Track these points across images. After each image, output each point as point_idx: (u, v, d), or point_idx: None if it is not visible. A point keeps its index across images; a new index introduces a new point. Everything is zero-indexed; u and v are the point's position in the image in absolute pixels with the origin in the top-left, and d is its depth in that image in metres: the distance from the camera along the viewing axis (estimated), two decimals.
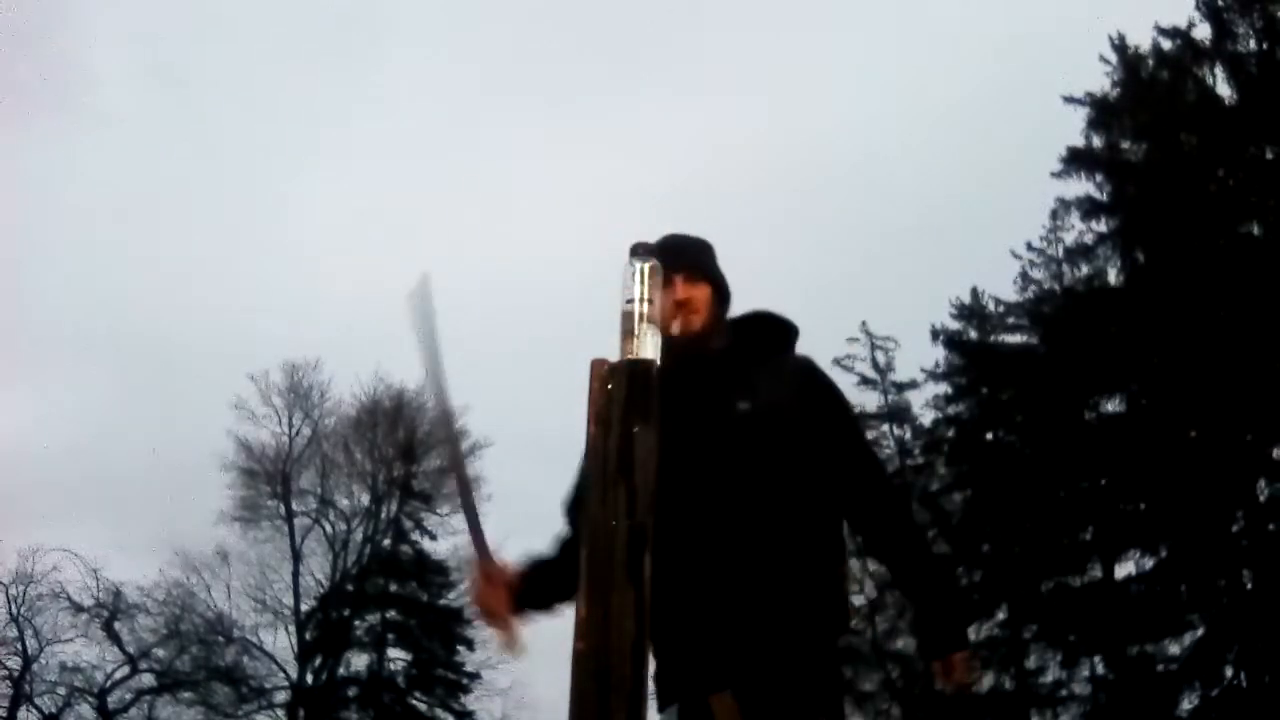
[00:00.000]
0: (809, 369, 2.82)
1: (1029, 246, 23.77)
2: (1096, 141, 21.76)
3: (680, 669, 2.54)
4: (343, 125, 48.34)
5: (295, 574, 27.98)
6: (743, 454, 2.59)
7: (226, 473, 28.28)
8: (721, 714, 2.48)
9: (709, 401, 2.65)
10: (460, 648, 28.43)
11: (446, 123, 47.83)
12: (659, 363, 2.70)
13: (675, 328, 2.70)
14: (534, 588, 2.79)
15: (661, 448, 2.37)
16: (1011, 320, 24.83)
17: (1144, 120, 20.79)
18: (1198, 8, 20.24)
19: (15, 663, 24.43)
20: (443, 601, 28.79)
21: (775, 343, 2.83)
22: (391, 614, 28.53)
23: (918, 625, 2.78)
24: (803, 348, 2.91)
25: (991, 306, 25.05)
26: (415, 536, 29.24)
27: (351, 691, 27.63)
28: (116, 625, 25.57)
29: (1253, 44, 20.02)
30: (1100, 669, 21.07)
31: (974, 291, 25.16)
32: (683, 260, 2.75)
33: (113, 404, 34.92)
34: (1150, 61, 21.30)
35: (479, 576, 2.75)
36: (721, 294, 2.82)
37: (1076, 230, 22.53)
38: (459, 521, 28.97)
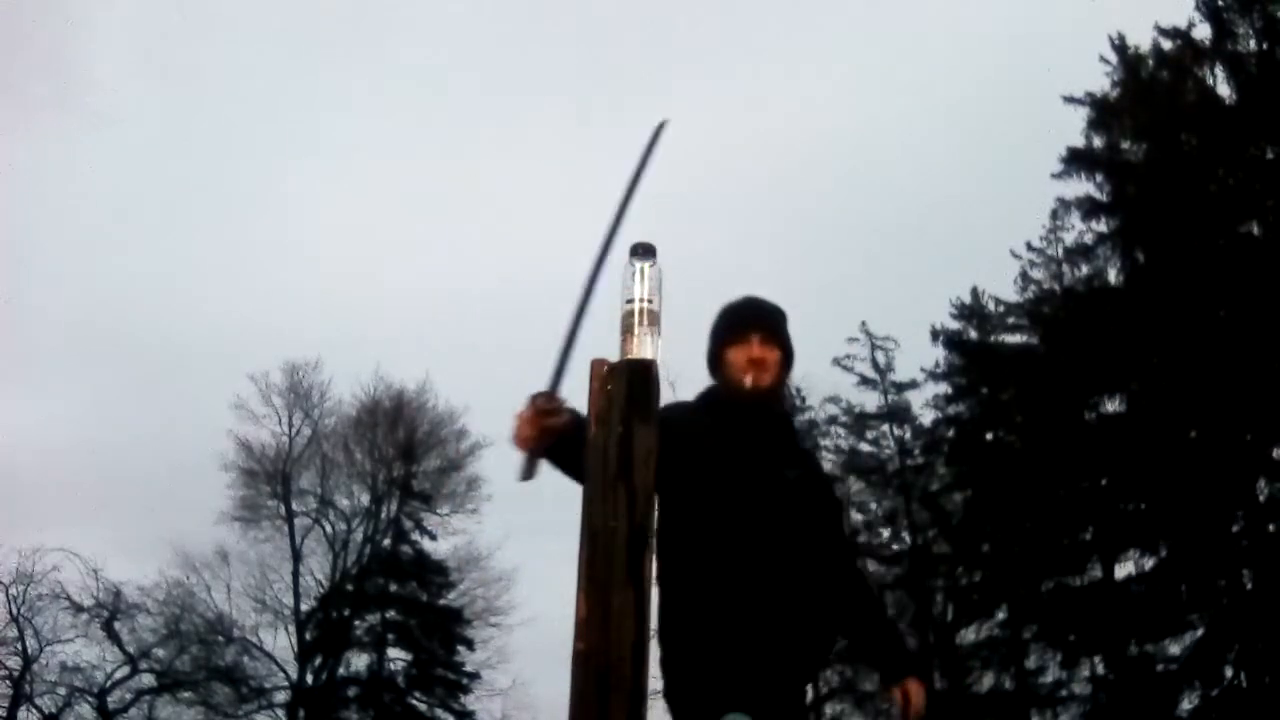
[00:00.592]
0: (816, 459, 3.38)
1: (1029, 246, 23.79)
2: (1096, 141, 21.76)
3: (730, 689, 2.68)
4: (343, 125, 48.37)
5: (295, 574, 27.99)
6: (790, 514, 2.84)
7: (226, 473, 28.31)
8: None
9: (766, 459, 2.90)
10: (460, 648, 28.43)
11: (447, 123, 47.85)
12: (727, 407, 2.91)
13: (748, 381, 2.91)
14: (566, 444, 2.83)
15: (719, 484, 2.72)
16: (1011, 320, 24.83)
17: (1144, 120, 20.77)
18: (1198, 8, 20.24)
19: (15, 663, 24.43)
20: (443, 601, 28.78)
21: (793, 427, 3.23)
22: (391, 614, 28.52)
23: (877, 661, 3.17)
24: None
25: (991, 306, 25.06)
26: (415, 536, 29.24)
27: (351, 691, 27.62)
28: (116, 625, 25.57)
29: (1253, 44, 20.00)
30: (1100, 669, 21.05)
31: (974, 291, 25.18)
32: (762, 321, 3.00)
33: (113, 404, 34.91)
34: (1150, 61, 21.29)
35: (537, 404, 2.69)
36: (788, 363, 3.05)
37: (1076, 230, 22.54)
38: (459, 521, 29.00)
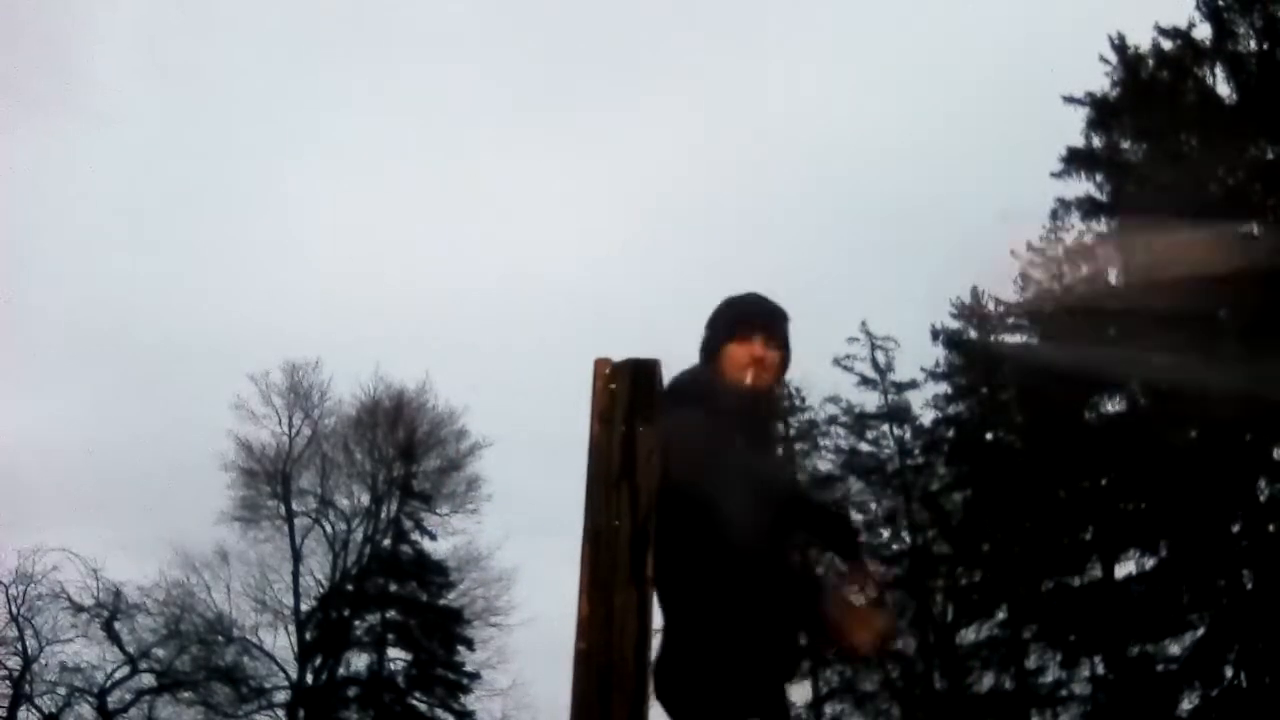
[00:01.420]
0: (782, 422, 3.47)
1: (1029, 246, 23.79)
2: (1096, 141, 21.75)
3: (754, 679, 2.71)
4: (344, 125, 48.37)
5: (295, 574, 27.98)
6: (784, 488, 2.99)
7: (226, 473, 28.32)
8: None
9: (764, 444, 3.03)
10: (460, 648, 28.43)
11: (448, 124, 47.84)
12: (728, 397, 2.90)
13: (748, 378, 2.93)
14: None
15: (731, 469, 2.72)
16: (1011, 320, 24.84)
17: (1144, 120, 20.77)
18: (1198, 8, 20.25)
19: (15, 663, 24.44)
20: (443, 601, 28.78)
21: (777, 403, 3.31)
22: (391, 614, 28.51)
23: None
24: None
25: (991, 306, 25.07)
26: (415, 536, 29.23)
27: (351, 691, 27.62)
28: (116, 625, 25.57)
29: (1253, 44, 20.01)
30: (1100, 669, 21.06)
31: (974, 291, 25.19)
32: (770, 323, 3.02)
33: (113, 404, 34.92)
34: (1150, 61, 21.29)
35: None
36: (787, 365, 3.10)
37: (1076, 230, 22.54)
38: (459, 521, 29.05)
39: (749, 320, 2.97)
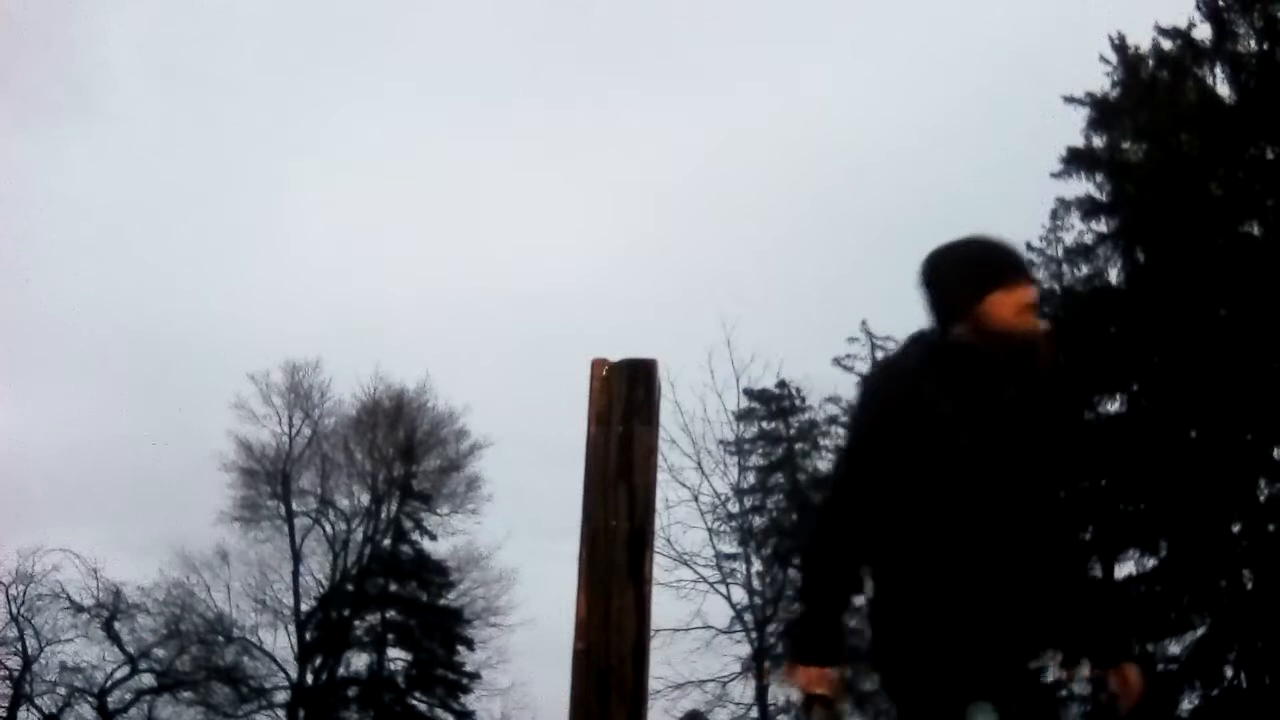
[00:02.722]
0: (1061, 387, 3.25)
1: (1029, 246, 23.71)
2: (1096, 141, 21.74)
3: (971, 674, 2.48)
4: (345, 125, 48.40)
5: (295, 574, 28.01)
6: (1040, 464, 2.74)
7: (226, 473, 28.36)
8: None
9: (1023, 409, 2.77)
10: (460, 648, 28.45)
11: (448, 123, 47.87)
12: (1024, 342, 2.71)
13: (1030, 325, 2.72)
14: None
15: (963, 452, 2.54)
16: None
17: (1144, 120, 20.76)
18: (1198, 8, 20.24)
19: (15, 663, 24.48)
20: (443, 601, 28.80)
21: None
22: (391, 614, 28.53)
23: (1085, 637, 2.86)
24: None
25: None
26: (415, 536, 29.25)
27: (351, 691, 27.63)
28: (116, 625, 25.60)
29: (1253, 44, 20.00)
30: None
31: None
32: (1026, 267, 2.80)
33: (113, 404, 34.92)
34: (1150, 61, 21.28)
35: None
36: None
37: (1076, 230, 22.51)
38: (459, 521, 29.07)
39: (1015, 267, 2.73)
